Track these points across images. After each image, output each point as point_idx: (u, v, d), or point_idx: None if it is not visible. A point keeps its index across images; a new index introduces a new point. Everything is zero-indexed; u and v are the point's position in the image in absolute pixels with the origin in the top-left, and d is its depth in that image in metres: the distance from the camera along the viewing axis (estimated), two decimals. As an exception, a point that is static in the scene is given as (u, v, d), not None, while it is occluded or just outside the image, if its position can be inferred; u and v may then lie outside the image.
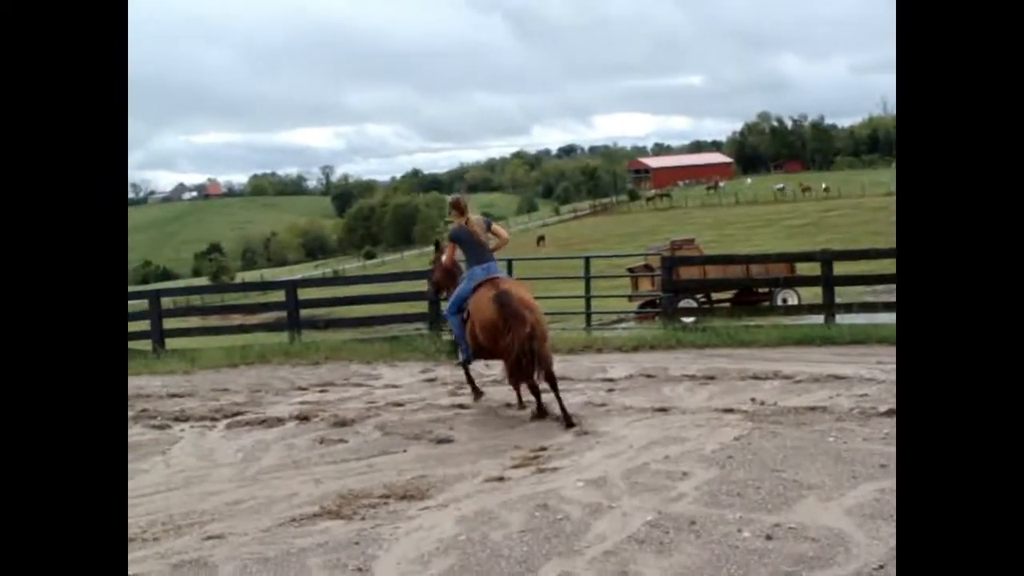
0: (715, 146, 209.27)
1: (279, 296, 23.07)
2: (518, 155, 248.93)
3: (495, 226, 12.15)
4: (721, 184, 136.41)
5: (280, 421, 11.64)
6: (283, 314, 20.70)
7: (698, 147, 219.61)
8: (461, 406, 11.98)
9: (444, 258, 12.59)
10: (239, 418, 12.08)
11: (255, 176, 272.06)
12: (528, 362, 10.52)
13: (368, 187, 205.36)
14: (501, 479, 8.18)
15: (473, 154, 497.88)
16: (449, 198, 12.86)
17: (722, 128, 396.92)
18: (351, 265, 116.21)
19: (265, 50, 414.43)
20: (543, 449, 9.16)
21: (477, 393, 12.49)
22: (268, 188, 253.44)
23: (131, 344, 21.20)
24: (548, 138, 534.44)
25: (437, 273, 13.10)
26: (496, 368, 12.62)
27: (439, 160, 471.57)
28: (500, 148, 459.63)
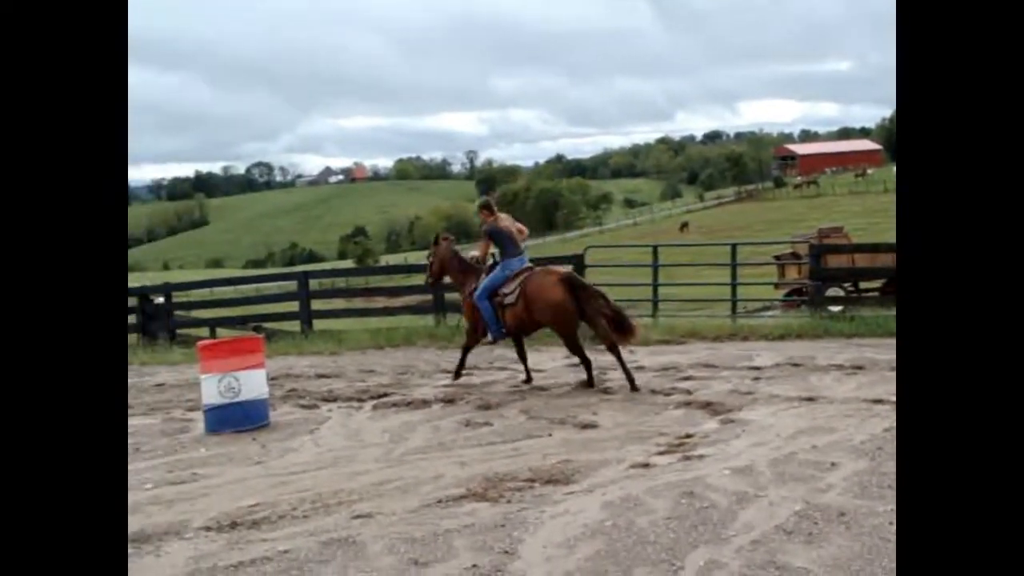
0: (863, 133, 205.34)
1: (423, 279, 23.29)
2: (662, 141, 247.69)
3: (519, 224, 13.87)
4: (869, 171, 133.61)
5: (426, 403, 11.76)
6: (428, 297, 20.82)
7: (846, 134, 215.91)
8: (606, 391, 11.96)
9: (478, 252, 14.06)
10: (385, 399, 12.25)
11: (400, 160, 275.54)
12: (620, 320, 12.81)
13: (512, 172, 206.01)
14: (646, 465, 8.13)
15: (617, 139, 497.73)
16: (479, 200, 14.53)
17: (871, 115, 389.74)
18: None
19: (412, 35, 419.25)
20: (688, 436, 9.09)
21: (458, 375, 13.81)
22: (413, 172, 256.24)
23: (280, 325, 21.63)
24: (692, 124, 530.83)
25: (436, 266, 14.53)
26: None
27: (583, 145, 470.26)
28: (644, 134, 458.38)
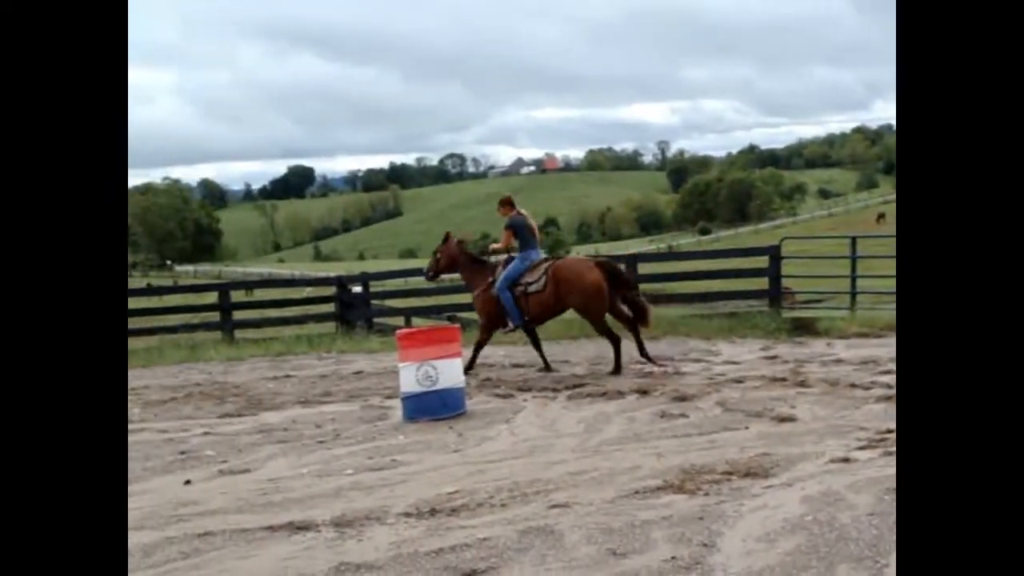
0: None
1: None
2: (858, 130, 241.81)
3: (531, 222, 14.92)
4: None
5: (620, 394, 11.75)
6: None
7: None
8: (802, 384, 11.75)
9: (500, 243, 15.22)
10: (580, 390, 12.28)
11: (591, 151, 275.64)
12: (643, 308, 14.19)
13: (704, 162, 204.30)
14: (847, 460, 7.97)
15: (811, 129, 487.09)
16: (501, 197, 15.32)
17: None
18: (685, 241, 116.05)
19: (602, 26, 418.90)
20: (889, 432, 8.86)
21: (469, 369, 13.98)
22: (604, 163, 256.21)
23: (473, 315, 21.84)
24: (890, 113, 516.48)
25: (443, 262, 15.48)
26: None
27: (777, 135, 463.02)
28: (839, 123, 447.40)
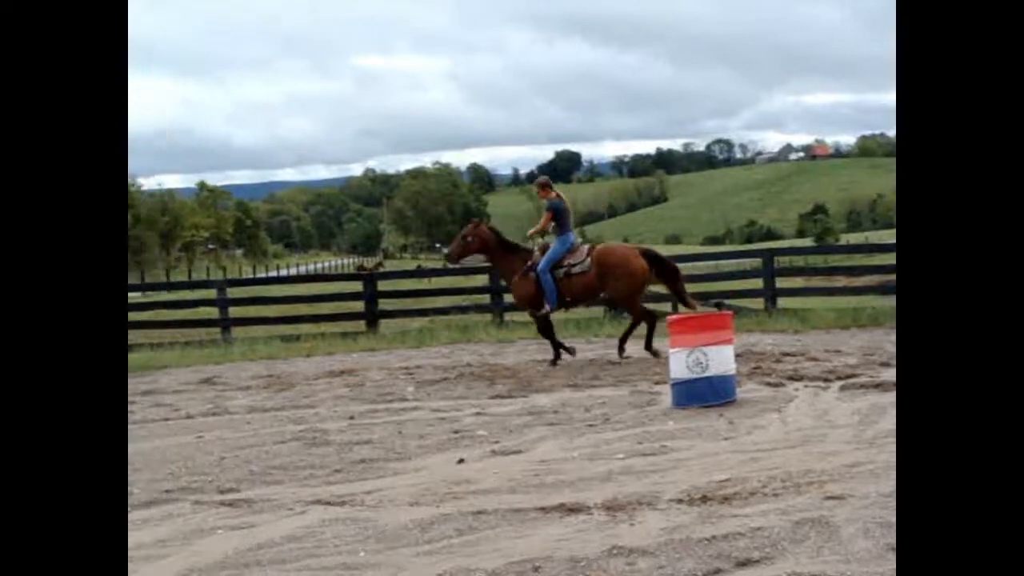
0: None
1: (887, 259, 22.61)
2: None
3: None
4: None
5: (895, 386, 11.41)
6: (891, 277, 20.23)
7: None
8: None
9: (539, 226, 15.61)
10: (853, 380, 11.99)
11: (863, 137, 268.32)
12: (689, 304, 15.20)
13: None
14: None
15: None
16: (540, 179, 15.84)
17: None
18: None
19: (880, 7, 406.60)
20: None
21: (560, 351, 15.22)
22: (876, 149, 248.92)
23: (740, 301, 21.61)
24: None
25: (476, 244, 15.64)
26: None
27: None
28: None
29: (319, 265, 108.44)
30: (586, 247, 15.29)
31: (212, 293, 24.81)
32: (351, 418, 11.48)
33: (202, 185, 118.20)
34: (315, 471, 8.76)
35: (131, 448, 9.27)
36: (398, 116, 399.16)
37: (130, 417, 12.05)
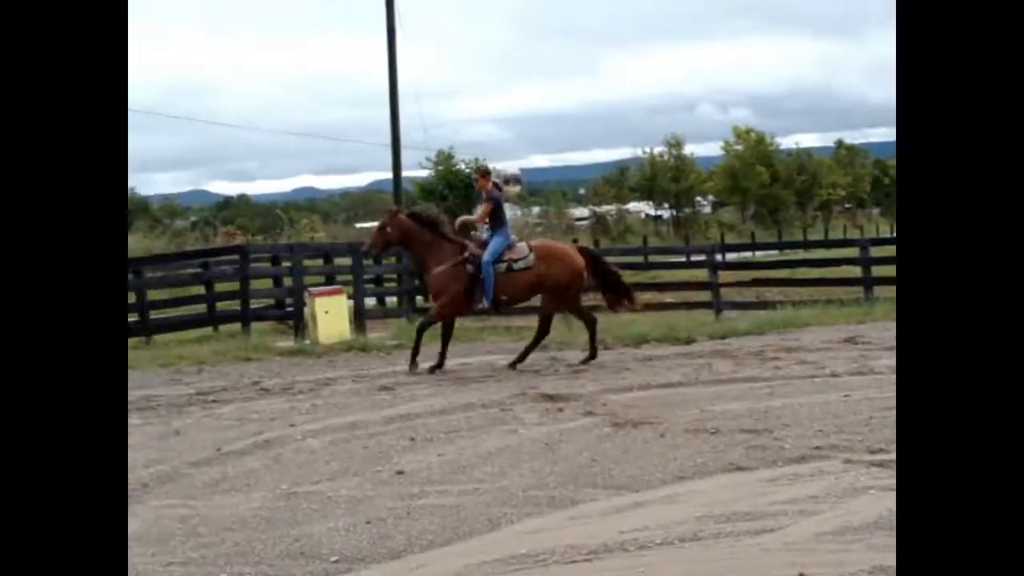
0: None
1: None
2: None
3: None
4: None
5: None
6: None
7: None
8: None
9: (476, 217, 14.73)
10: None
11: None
12: (628, 289, 14.77)
13: None
14: None
15: None
16: (479, 165, 15.88)
17: None
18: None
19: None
20: None
21: (443, 360, 14.06)
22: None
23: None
24: None
25: (395, 235, 14.37)
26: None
27: None
28: None
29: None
30: (525, 244, 14.44)
31: (854, 251, 23.53)
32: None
33: (839, 143, 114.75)
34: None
35: (778, 403, 10.22)
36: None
37: (775, 373, 12.57)
